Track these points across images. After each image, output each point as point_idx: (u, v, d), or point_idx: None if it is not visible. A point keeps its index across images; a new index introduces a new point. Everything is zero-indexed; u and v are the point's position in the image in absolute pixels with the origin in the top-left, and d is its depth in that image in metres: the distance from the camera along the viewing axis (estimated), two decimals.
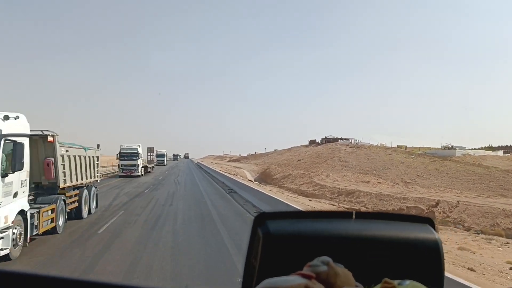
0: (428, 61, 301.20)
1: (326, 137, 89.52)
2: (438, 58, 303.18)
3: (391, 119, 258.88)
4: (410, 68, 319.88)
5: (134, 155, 38.52)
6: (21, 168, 8.40)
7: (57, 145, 11.20)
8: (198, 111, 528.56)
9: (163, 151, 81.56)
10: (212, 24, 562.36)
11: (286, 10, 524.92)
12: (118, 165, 39.56)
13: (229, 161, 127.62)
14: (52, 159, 11.05)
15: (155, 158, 76.34)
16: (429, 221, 0.99)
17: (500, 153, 66.98)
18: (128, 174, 37.94)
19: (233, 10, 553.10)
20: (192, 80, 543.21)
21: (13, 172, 8.08)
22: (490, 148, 78.80)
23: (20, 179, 8.54)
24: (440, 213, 35.19)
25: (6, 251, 7.81)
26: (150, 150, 63.55)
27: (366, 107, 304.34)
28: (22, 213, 8.61)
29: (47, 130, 10.94)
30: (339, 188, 46.04)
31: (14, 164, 8.01)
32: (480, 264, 11.71)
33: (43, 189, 11.16)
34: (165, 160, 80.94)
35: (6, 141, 7.92)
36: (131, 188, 26.58)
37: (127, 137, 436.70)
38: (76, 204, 12.89)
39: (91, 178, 14.91)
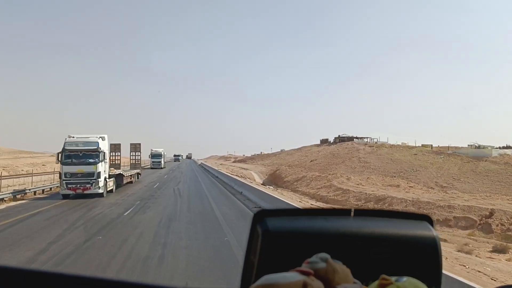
0: (428, 61, 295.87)
1: (339, 135, 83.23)
2: (441, 58, 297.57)
3: (391, 119, 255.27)
4: (409, 68, 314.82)
5: (91, 155, 21.64)
6: (107, 161, 23.86)
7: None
8: (199, 111, 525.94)
9: (160, 150, 65.44)
10: (212, 24, 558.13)
11: (286, 10, 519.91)
12: (60, 174, 21.82)
13: (234, 161, 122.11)
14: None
15: (150, 160, 64.46)
16: (427, 218, 0.99)
17: None
18: (78, 191, 21.03)
19: (233, 10, 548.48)
20: (193, 80, 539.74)
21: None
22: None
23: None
24: (497, 225, 28.73)
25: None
26: (135, 147, 45.61)
27: (366, 107, 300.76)
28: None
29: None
30: (365, 193, 39.74)
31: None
32: None
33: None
34: (163, 162, 64.65)
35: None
36: (100, 209, 16.81)
37: (127, 137, 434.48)
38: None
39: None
